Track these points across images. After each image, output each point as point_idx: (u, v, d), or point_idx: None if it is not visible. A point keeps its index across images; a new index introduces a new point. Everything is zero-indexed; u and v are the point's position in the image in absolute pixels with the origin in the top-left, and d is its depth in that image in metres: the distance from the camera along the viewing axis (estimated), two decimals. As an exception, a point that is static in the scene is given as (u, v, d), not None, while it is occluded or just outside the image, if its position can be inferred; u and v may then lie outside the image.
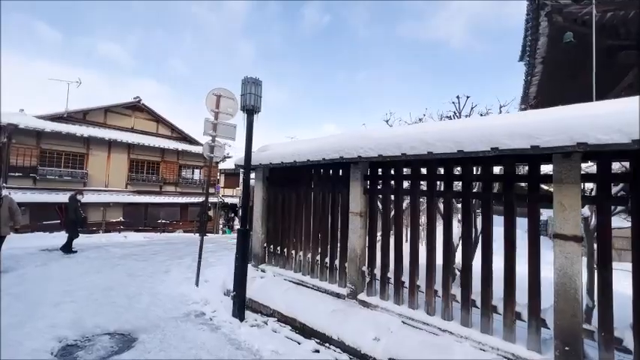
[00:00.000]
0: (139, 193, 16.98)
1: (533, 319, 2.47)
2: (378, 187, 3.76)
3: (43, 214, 12.89)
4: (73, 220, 7.49)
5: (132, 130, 17.47)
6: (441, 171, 3.25)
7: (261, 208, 5.17)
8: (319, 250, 4.28)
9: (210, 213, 20.28)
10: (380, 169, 3.74)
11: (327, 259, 4.16)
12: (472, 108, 12.04)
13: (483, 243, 2.85)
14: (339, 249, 4.06)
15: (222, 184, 25.71)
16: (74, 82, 15.81)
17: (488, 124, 2.73)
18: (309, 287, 4.22)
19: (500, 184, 2.99)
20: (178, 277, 5.73)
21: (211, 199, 20.33)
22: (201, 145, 20.64)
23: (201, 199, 19.50)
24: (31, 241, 8.62)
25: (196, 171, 20.49)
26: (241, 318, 3.92)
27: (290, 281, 4.47)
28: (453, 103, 18.98)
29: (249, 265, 5.19)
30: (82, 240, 8.43)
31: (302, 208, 4.65)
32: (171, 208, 18.33)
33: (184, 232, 17.90)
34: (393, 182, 3.63)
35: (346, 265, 3.90)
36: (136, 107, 17.72)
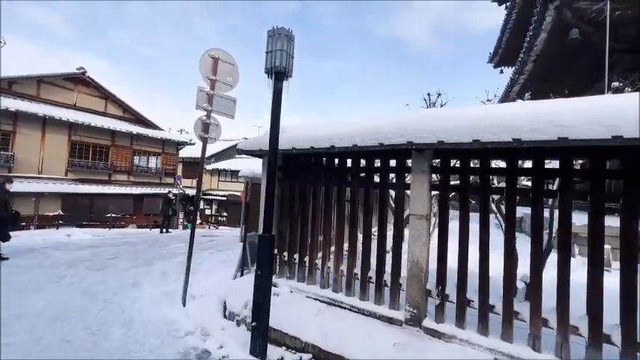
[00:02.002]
0: (83, 181, 14.44)
1: None
2: (451, 184, 2.95)
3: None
4: (1, 217, 5.63)
5: (74, 107, 14.74)
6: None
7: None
8: (359, 261, 3.38)
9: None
10: (453, 160, 2.94)
11: (373, 273, 3.27)
12: (442, 105, 11.90)
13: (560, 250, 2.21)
14: (389, 260, 3.19)
15: (180, 173, 23.40)
16: (-5, 42, 12.70)
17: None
18: (345, 308, 3.31)
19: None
20: (154, 293, 4.44)
21: (172, 191, 18.22)
22: (160, 129, 18.32)
23: (158, 189, 17.36)
24: None
25: (153, 158, 18.13)
26: (263, 357, 2.88)
27: (316, 300, 3.51)
28: (425, 99, 18.70)
29: (251, 277, 4.12)
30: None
31: (333, 207, 3.70)
32: (123, 199, 15.95)
33: (138, 227, 15.76)
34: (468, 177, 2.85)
35: (401, 281, 3.07)
36: (80, 80, 14.96)
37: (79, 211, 13.96)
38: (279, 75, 2.94)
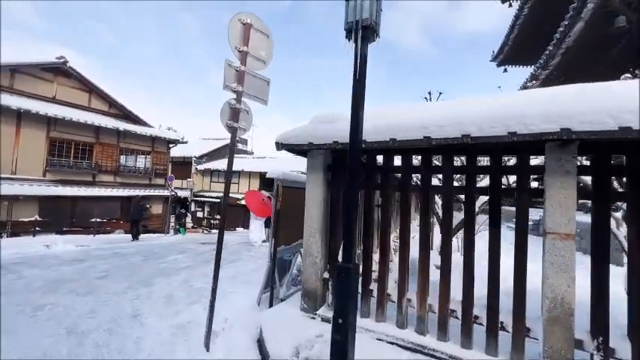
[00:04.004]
0: (64, 183, 13.03)
1: None
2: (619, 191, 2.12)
3: None
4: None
5: (53, 100, 13.30)
6: None
7: (320, 215, 3.16)
8: (459, 295, 2.50)
9: (158, 208, 16.90)
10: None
11: (484, 314, 2.40)
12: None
13: None
14: (509, 295, 2.33)
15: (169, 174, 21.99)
16: (-39, 25, 11.22)
17: None
18: (437, 359, 2.42)
19: None
20: (162, 328, 3.43)
21: (162, 193, 16.94)
22: (149, 125, 16.99)
23: (148, 191, 16.07)
24: None
25: (141, 157, 16.77)
26: None
27: (393, 344, 2.61)
28: (425, 98, 18.06)
29: (296, 311, 3.20)
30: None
31: (408, 218, 2.81)
32: (109, 202, 14.57)
33: (126, 232, 14.43)
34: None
35: (529, 325, 2.21)
36: (60, 71, 13.53)
37: (59, 216, 12.55)
38: (366, 33, 2.02)
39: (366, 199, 3.29)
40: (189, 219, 22.98)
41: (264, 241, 9.63)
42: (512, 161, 4.61)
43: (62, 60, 13.26)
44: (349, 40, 2.09)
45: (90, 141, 14.10)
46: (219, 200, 23.09)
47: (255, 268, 6.44)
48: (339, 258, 3.11)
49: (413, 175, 3.11)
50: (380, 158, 3.13)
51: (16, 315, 3.58)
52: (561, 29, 8.21)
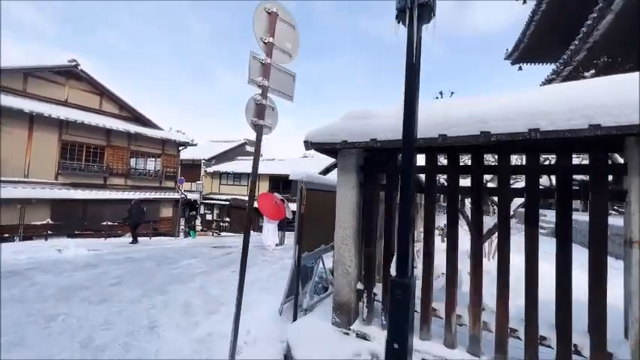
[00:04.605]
0: (75, 186, 13.01)
1: None
2: None
3: None
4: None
5: (65, 104, 13.32)
6: None
7: (353, 221, 2.89)
8: (514, 305, 2.20)
9: (168, 211, 16.83)
10: None
11: (546, 330, 2.09)
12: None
13: None
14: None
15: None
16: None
17: None
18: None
19: None
20: (182, 342, 3.20)
21: (173, 195, 16.87)
22: (159, 128, 16.96)
23: (158, 194, 16.01)
24: None
25: (151, 160, 16.72)
26: None
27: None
28: (437, 97, 17.85)
29: (327, 325, 2.94)
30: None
31: (456, 223, 2.52)
32: (120, 205, 14.49)
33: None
34: None
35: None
36: (72, 74, 13.55)
37: (71, 219, 12.51)
38: (422, 11, 1.76)
39: (386, 202, 2.99)
40: (198, 222, 22.93)
41: (277, 245, 9.39)
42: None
43: (74, 63, 13.27)
44: (399, 22, 1.83)
45: (101, 144, 14.08)
46: (228, 203, 23.01)
47: (271, 274, 6.20)
48: (370, 267, 2.84)
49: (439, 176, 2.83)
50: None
51: (28, 326, 3.39)
52: (589, 22, 7.82)
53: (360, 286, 2.92)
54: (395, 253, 1.80)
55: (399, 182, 2.84)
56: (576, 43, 8.64)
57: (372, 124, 2.65)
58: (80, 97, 13.93)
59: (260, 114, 2.87)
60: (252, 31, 2.81)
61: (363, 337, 2.74)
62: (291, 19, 3.13)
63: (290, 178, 3.91)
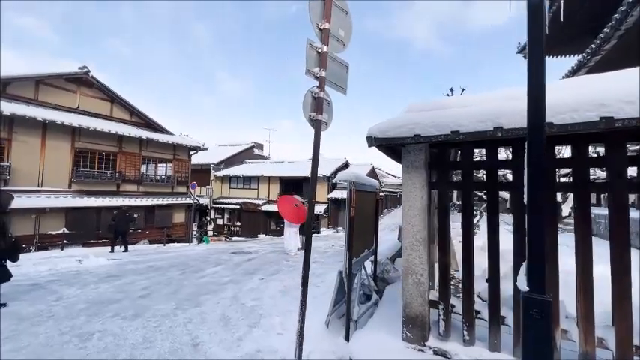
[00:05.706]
0: (89, 194, 12.86)
1: None
2: None
3: None
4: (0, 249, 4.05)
5: (76, 111, 13.21)
6: None
7: (424, 224, 2.59)
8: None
9: (181, 216, 16.62)
10: None
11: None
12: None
13: None
14: None
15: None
16: (-13, 39, 11.23)
17: None
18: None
19: None
20: (232, 362, 2.91)
21: (185, 200, 16.67)
22: (170, 133, 16.81)
23: (171, 200, 15.83)
24: None
25: (162, 166, 16.56)
26: None
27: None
28: (447, 94, 17.34)
29: (396, 341, 2.64)
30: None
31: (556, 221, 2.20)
32: (133, 212, 14.33)
33: (150, 242, 14.22)
34: None
35: None
36: (83, 81, 13.45)
37: (85, 228, 12.35)
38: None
39: (463, 203, 2.70)
40: (210, 227, 22.73)
41: (299, 249, 9.09)
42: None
43: (85, 70, 13.16)
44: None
45: (113, 150, 13.94)
46: (239, 207, 22.79)
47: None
48: (441, 275, 2.54)
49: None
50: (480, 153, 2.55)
51: (63, 346, 3.13)
52: (622, 8, 7.47)
53: (432, 296, 2.61)
54: (525, 263, 1.49)
55: (471, 181, 2.54)
56: (606, 30, 8.28)
57: (448, 114, 2.36)
58: (91, 104, 13.82)
59: (318, 108, 2.58)
60: (309, 18, 2.54)
61: (442, 354, 2.44)
62: (344, 5, 2.86)
63: (338, 179, 3.62)
